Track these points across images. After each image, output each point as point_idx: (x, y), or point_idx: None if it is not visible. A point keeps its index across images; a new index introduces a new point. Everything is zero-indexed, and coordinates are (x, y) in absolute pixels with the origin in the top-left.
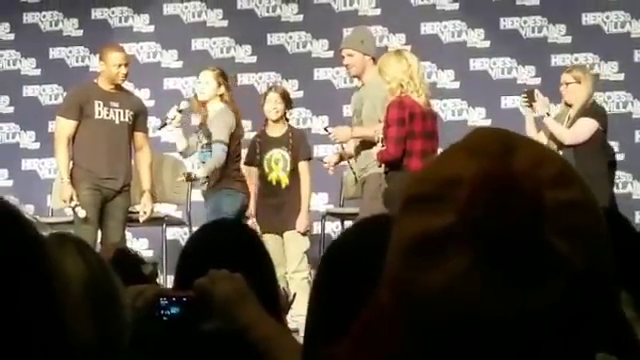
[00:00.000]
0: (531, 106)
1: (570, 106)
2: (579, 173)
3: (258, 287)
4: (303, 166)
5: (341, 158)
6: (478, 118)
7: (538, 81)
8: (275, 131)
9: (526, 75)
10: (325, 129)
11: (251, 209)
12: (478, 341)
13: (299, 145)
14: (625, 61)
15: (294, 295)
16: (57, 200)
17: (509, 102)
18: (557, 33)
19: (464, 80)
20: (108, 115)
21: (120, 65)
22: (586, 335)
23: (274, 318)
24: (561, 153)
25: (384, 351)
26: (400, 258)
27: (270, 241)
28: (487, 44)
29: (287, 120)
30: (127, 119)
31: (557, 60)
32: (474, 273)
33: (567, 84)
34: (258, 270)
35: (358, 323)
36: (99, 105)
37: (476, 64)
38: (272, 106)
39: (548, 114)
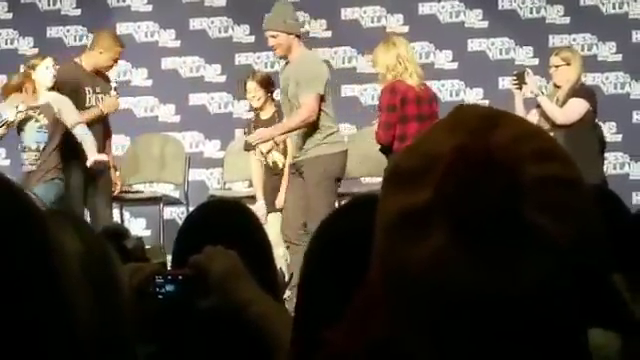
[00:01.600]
0: (520, 88)
1: (559, 87)
2: (571, 153)
3: (255, 266)
4: (289, 144)
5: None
6: (476, 98)
7: (536, 62)
8: (265, 113)
9: (524, 56)
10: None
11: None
12: (462, 316)
13: None
14: (623, 42)
15: (291, 274)
16: None
17: (507, 83)
18: (555, 14)
19: (462, 60)
20: (91, 101)
21: (117, 60)
22: (575, 310)
23: (271, 296)
24: (552, 134)
25: (377, 332)
26: (383, 235)
27: (273, 220)
28: (485, 24)
29: (274, 101)
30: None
31: (555, 41)
32: (453, 249)
33: (557, 67)
34: (255, 249)
35: (351, 306)
36: (89, 92)
37: (474, 44)
38: (252, 95)
39: (543, 93)
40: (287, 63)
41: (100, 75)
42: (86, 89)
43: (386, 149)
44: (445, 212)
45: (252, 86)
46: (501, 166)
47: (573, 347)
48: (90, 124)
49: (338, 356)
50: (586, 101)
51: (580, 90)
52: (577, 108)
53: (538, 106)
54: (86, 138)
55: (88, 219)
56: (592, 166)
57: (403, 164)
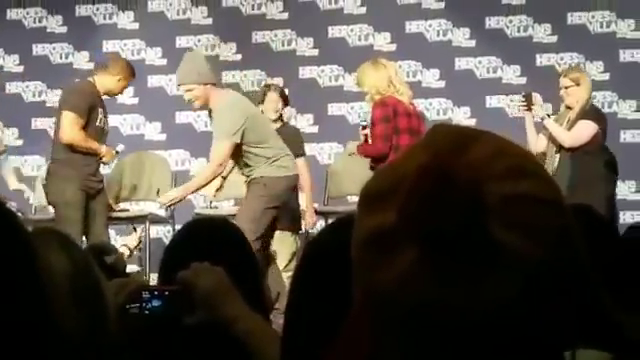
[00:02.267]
0: (529, 109)
1: (570, 108)
2: (577, 175)
3: (242, 283)
4: (299, 162)
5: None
6: (463, 117)
7: (523, 81)
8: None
9: (511, 74)
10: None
11: None
12: (432, 335)
13: (292, 141)
14: (610, 61)
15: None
16: (40, 198)
17: (494, 101)
18: (542, 32)
19: (449, 79)
20: (102, 122)
21: (126, 88)
22: (545, 328)
23: (258, 313)
24: (558, 156)
25: (365, 351)
26: (357, 256)
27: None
28: (472, 43)
29: (282, 116)
30: (107, 126)
31: (542, 60)
32: (420, 268)
33: (566, 87)
34: (242, 266)
35: (345, 325)
36: (100, 112)
37: (461, 63)
38: (273, 106)
39: (549, 115)
40: (210, 111)
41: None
42: (98, 109)
43: (381, 159)
44: (410, 232)
45: (274, 97)
46: (463, 184)
47: None
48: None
49: None
50: (595, 123)
51: (589, 112)
52: (585, 131)
53: (545, 128)
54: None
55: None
56: (597, 189)
57: (373, 186)
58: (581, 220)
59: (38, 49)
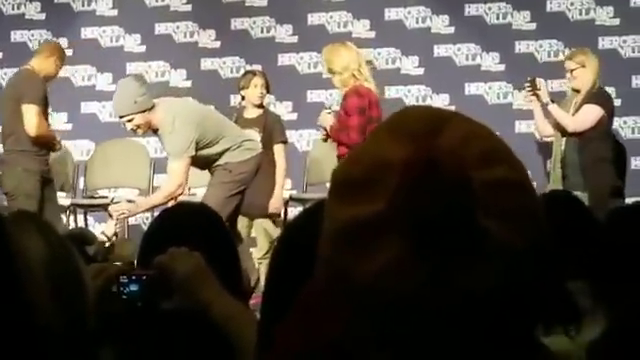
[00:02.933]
0: (536, 95)
1: (578, 91)
2: (582, 160)
3: (220, 268)
4: (278, 149)
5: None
6: (442, 104)
7: (502, 68)
8: (251, 113)
9: (490, 62)
10: None
11: None
12: (418, 323)
13: (273, 128)
14: (589, 48)
15: (257, 279)
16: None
17: (473, 89)
18: (522, 20)
19: (428, 66)
20: (49, 109)
21: (61, 67)
22: (528, 313)
23: (236, 298)
24: (564, 140)
25: (323, 333)
26: (335, 245)
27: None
28: (451, 30)
29: (262, 104)
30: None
31: (521, 47)
32: (407, 259)
33: (572, 70)
34: (220, 251)
35: (297, 304)
36: (47, 99)
37: (440, 50)
38: (259, 91)
39: (553, 101)
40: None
41: None
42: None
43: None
44: (399, 223)
45: (260, 82)
46: (449, 175)
47: (527, 347)
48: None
49: (291, 356)
50: (600, 107)
51: (595, 95)
52: (589, 116)
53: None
54: None
55: None
56: (600, 172)
57: (351, 173)
58: (562, 205)
59: (17, 36)
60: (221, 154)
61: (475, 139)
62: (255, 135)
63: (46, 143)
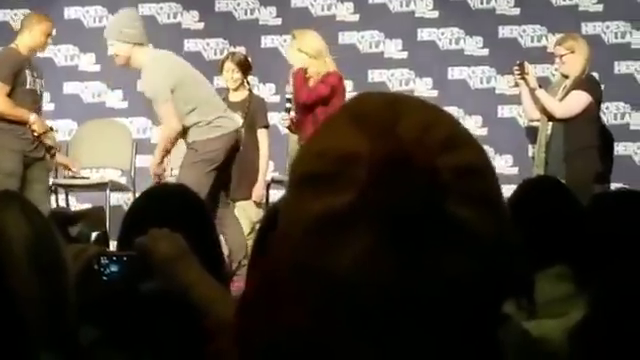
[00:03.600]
0: (524, 79)
1: (566, 77)
2: (570, 146)
3: (201, 250)
4: (261, 134)
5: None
6: (425, 88)
7: (486, 52)
8: (235, 96)
9: (474, 46)
10: None
11: None
12: (390, 319)
13: (256, 112)
14: (573, 33)
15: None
16: None
17: (456, 73)
18: (505, 4)
19: (412, 50)
20: (34, 85)
21: (49, 35)
22: (499, 298)
23: (217, 279)
24: (550, 125)
25: (283, 325)
26: (302, 238)
27: (244, 210)
28: (435, 14)
29: (248, 85)
30: (42, 88)
31: (505, 32)
32: (379, 252)
33: (562, 56)
34: (201, 233)
35: (253, 289)
36: (29, 74)
37: (424, 34)
38: (229, 75)
39: (540, 86)
40: None
41: (35, 61)
42: (26, 71)
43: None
44: (369, 214)
45: (230, 67)
46: (419, 165)
47: (493, 333)
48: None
49: (250, 342)
50: (588, 93)
51: (583, 82)
52: (576, 102)
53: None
54: None
55: None
56: (586, 159)
57: (315, 165)
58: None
59: None
60: (189, 128)
61: (436, 124)
62: (238, 118)
63: (17, 121)
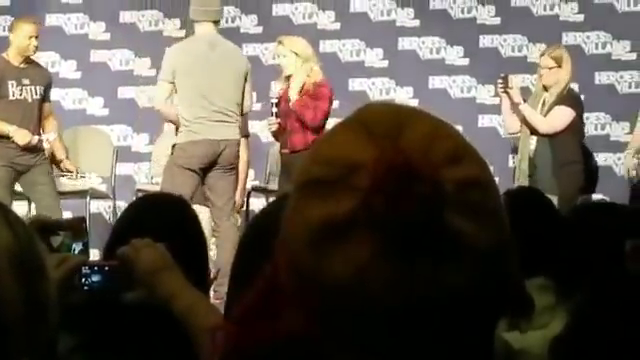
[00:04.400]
0: (507, 92)
1: (546, 89)
2: (553, 161)
3: (188, 261)
4: (242, 143)
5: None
6: (406, 97)
7: (466, 62)
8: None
9: (454, 55)
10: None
11: None
12: (387, 327)
13: None
14: (553, 43)
15: (218, 270)
16: None
17: (437, 82)
18: (486, 14)
19: (392, 59)
20: (21, 94)
21: (32, 37)
22: (494, 311)
23: (202, 291)
24: (534, 139)
25: (279, 335)
26: (302, 244)
27: (200, 213)
28: (416, 23)
29: None
30: (38, 95)
31: (485, 41)
32: (379, 260)
33: (550, 68)
34: (189, 244)
35: (248, 303)
36: (12, 85)
37: (405, 43)
38: None
39: (525, 100)
40: None
41: (32, 64)
42: (9, 82)
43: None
44: (370, 224)
45: None
46: (422, 175)
47: (488, 343)
48: None
49: (248, 349)
50: (572, 109)
51: (566, 97)
52: (562, 118)
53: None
54: None
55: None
56: (572, 176)
57: (318, 171)
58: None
59: None
60: (180, 124)
61: (442, 137)
62: (225, 129)
63: None
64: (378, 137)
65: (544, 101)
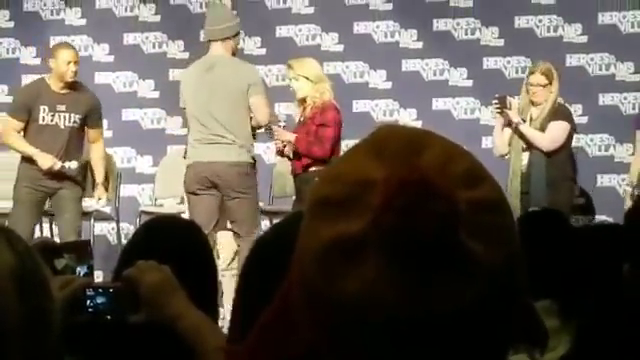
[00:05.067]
0: (501, 113)
1: (534, 105)
2: (549, 176)
3: (198, 284)
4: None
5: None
6: (409, 119)
7: (470, 83)
8: None
9: (458, 77)
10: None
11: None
12: (396, 346)
13: None
14: (556, 65)
15: (221, 293)
16: None
17: (440, 104)
18: (490, 35)
19: (396, 81)
20: (52, 120)
21: (70, 62)
22: (502, 332)
23: (211, 314)
24: (526, 155)
25: (293, 352)
26: (313, 264)
27: (222, 237)
28: (420, 45)
29: None
30: (73, 123)
31: (489, 63)
32: (389, 279)
33: (543, 85)
34: (199, 267)
35: (262, 324)
36: (44, 110)
37: (408, 65)
38: None
39: (524, 120)
40: None
41: (73, 90)
42: (41, 107)
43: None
44: (381, 241)
45: None
46: (438, 193)
47: None
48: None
49: None
50: (567, 123)
51: (559, 112)
52: (561, 132)
53: (509, 125)
54: None
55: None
56: (567, 191)
57: (330, 190)
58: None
59: None
60: None
61: (458, 159)
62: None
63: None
64: (391, 156)
65: (531, 117)
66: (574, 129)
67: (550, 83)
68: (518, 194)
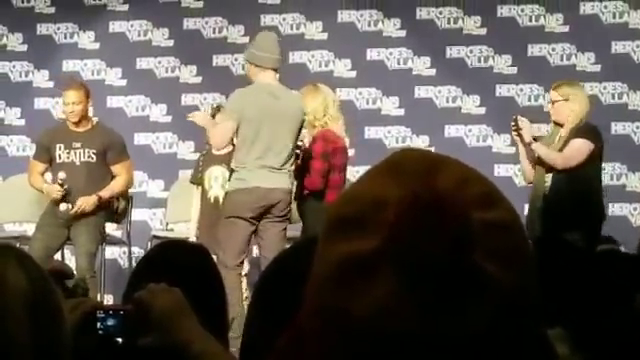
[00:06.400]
0: (518, 134)
1: (560, 125)
2: (574, 195)
3: (209, 308)
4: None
5: None
6: (422, 146)
7: (483, 111)
8: (220, 150)
9: (471, 104)
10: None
11: (192, 229)
12: None
13: None
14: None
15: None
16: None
17: (453, 131)
18: (503, 63)
19: (409, 107)
20: (69, 157)
21: (67, 104)
22: (514, 355)
23: (220, 339)
24: (549, 177)
25: None
26: (327, 283)
27: None
28: (433, 72)
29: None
30: (88, 157)
31: (502, 90)
32: (402, 297)
33: (554, 102)
34: (209, 291)
35: (278, 349)
36: (59, 148)
37: (421, 92)
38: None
39: (535, 139)
40: None
41: (90, 128)
42: (57, 146)
43: (316, 193)
44: (395, 259)
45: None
46: (452, 213)
47: None
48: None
49: None
50: (589, 141)
51: (582, 130)
52: (578, 150)
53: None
54: None
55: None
56: (593, 208)
57: (344, 210)
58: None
59: None
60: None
61: (472, 181)
62: (226, 173)
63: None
64: (407, 176)
65: (559, 137)
66: (600, 149)
67: (566, 100)
68: (541, 214)
